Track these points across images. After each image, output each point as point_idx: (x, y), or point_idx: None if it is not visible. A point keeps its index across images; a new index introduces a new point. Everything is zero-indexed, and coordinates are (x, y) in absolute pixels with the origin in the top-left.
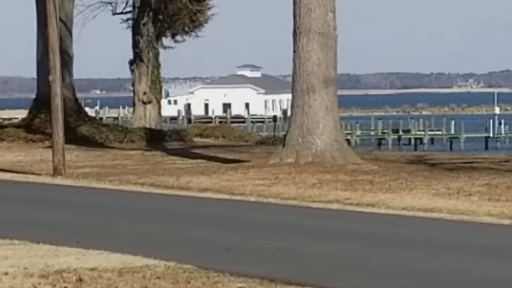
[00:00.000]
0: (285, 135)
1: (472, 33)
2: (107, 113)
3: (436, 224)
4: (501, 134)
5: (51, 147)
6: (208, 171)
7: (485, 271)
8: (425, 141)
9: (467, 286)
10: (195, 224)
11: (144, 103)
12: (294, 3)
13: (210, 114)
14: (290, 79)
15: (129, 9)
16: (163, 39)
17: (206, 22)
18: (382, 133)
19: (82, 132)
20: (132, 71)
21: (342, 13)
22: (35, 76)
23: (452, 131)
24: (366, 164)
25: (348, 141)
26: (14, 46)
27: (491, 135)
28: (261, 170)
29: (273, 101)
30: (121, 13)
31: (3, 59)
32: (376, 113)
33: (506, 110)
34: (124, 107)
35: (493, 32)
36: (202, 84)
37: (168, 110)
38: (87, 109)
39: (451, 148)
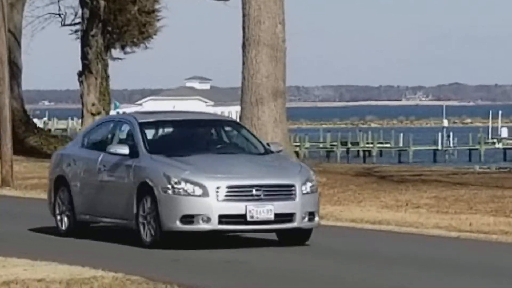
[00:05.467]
0: None
1: (421, 46)
2: (56, 125)
3: (385, 236)
4: (449, 147)
5: None
6: None
7: (431, 284)
8: (374, 153)
9: None
10: None
11: (93, 114)
12: (243, 15)
13: None
14: (239, 91)
15: (78, 20)
16: (112, 50)
17: (155, 34)
18: (331, 145)
19: (30, 143)
20: (80, 82)
21: (291, 26)
22: None
23: (401, 144)
24: (315, 176)
25: (296, 153)
26: None
27: (439, 148)
28: None
29: (222, 113)
30: (70, 24)
31: None
32: (324, 126)
33: (454, 123)
34: (72, 119)
35: (442, 45)
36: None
37: None
38: (35, 120)
39: (399, 161)
